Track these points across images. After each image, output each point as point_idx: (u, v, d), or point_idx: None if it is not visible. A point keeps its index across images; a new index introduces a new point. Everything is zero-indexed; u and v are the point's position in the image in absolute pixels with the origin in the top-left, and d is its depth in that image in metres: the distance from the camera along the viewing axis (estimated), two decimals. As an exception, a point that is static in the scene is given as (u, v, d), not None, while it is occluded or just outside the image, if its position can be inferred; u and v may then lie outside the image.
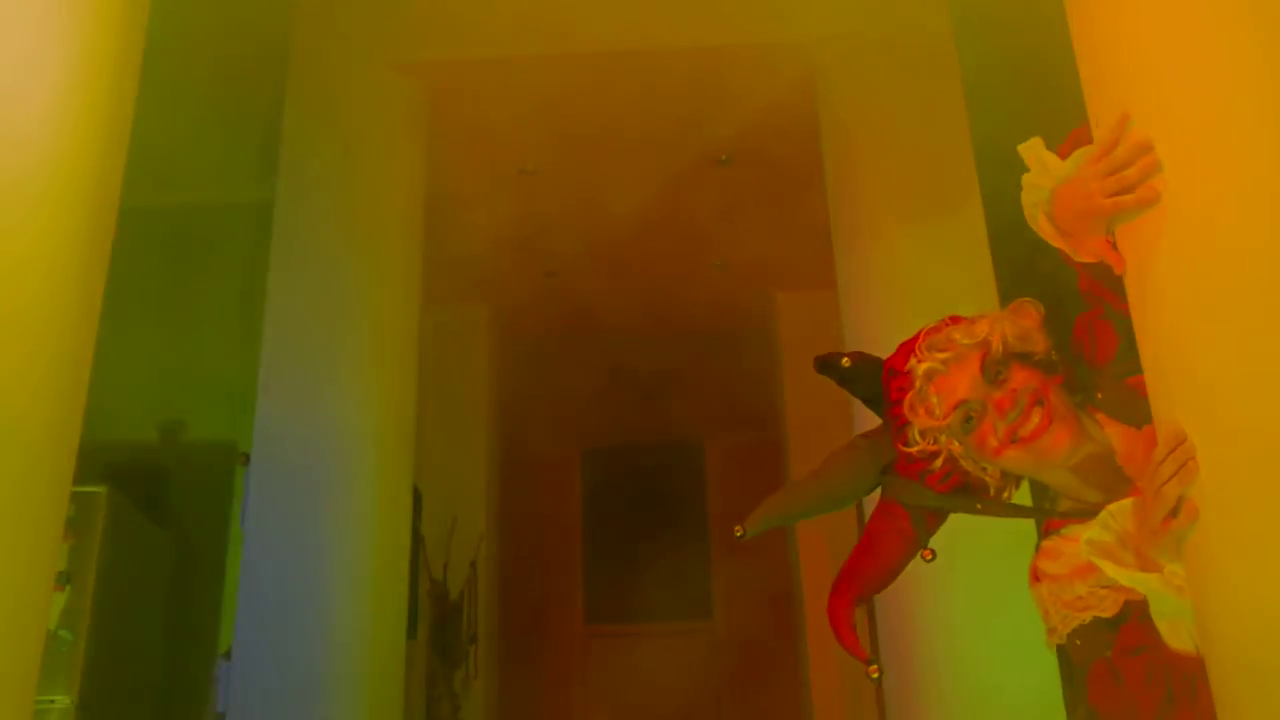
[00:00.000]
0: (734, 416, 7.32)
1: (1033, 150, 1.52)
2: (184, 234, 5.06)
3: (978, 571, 3.37)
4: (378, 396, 3.86)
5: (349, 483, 3.69)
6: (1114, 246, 1.37)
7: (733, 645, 7.62)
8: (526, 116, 4.63)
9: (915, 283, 3.73)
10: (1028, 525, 3.33)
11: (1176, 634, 1.36)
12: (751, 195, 5.33)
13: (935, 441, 1.50)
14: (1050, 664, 3.28)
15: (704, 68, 4.34)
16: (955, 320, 1.52)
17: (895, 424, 1.53)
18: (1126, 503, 1.36)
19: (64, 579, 3.82)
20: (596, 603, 7.87)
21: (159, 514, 4.76)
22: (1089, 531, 1.41)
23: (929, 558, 1.60)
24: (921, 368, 1.49)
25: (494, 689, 6.37)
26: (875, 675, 1.63)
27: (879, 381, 1.57)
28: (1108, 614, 1.42)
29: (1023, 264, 4.04)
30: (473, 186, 5.15)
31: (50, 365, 1.73)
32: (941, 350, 1.48)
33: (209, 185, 5.01)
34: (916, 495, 1.56)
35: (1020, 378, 1.45)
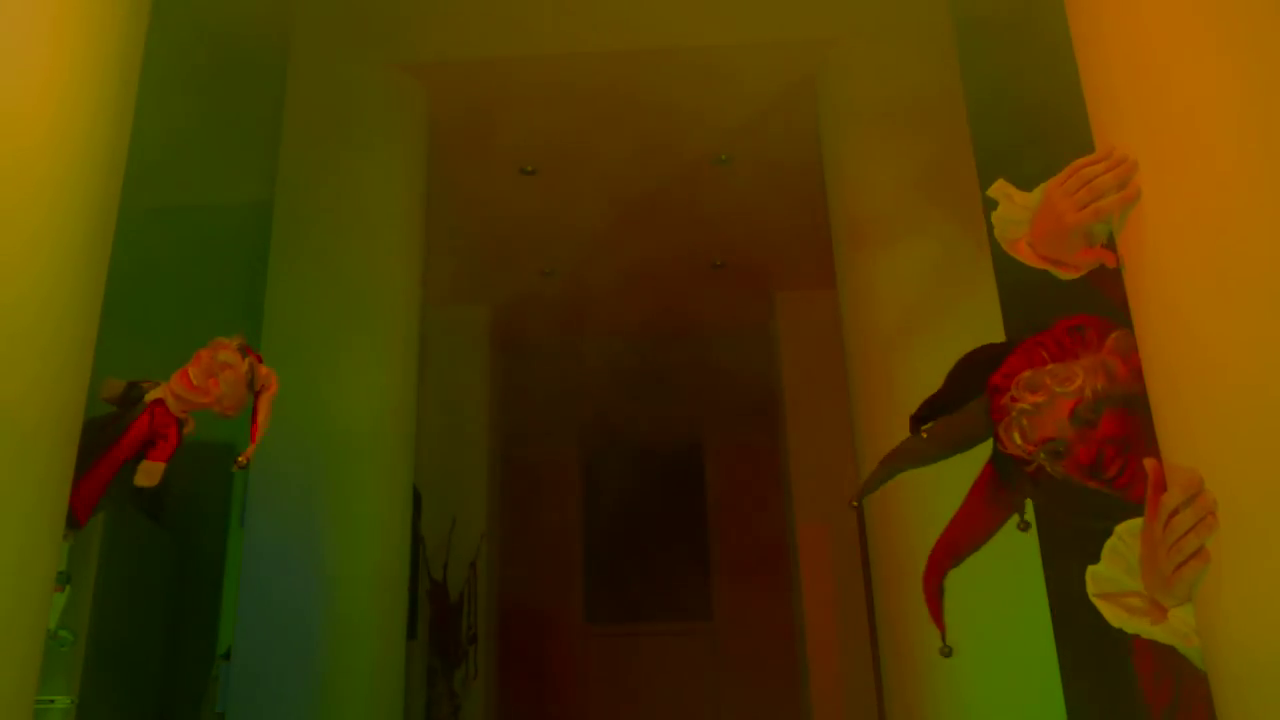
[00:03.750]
0: (734, 416, 7.33)
1: (1001, 190, 1.63)
2: (184, 234, 5.06)
3: (978, 571, 3.37)
4: (378, 396, 3.86)
5: (349, 483, 3.69)
6: (1104, 247, 1.40)
7: (733, 645, 7.62)
8: (526, 116, 4.63)
9: (915, 283, 3.73)
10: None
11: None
12: (751, 195, 5.33)
13: (1027, 453, 1.59)
14: (1051, 665, 3.28)
15: (704, 68, 4.34)
16: (1061, 341, 1.58)
17: (996, 426, 1.62)
18: (1135, 524, 1.36)
19: (64, 579, 3.82)
20: (596, 603, 7.86)
21: (159, 514, 4.76)
22: (1096, 565, 1.43)
23: (1024, 529, 1.72)
24: (1015, 407, 1.57)
25: (494, 689, 6.37)
26: (947, 652, 1.77)
27: (978, 384, 1.67)
28: None
29: (1022, 264, 4.04)
30: (473, 186, 5.15)
31: (50, 365, 1.73)
32: (1035, 393, 1.55)
33: (209, 185, 5.00)
34: (1019, 473, 1.64)
35: (1108, 427, 1.52)
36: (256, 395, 1.83)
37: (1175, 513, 1.21)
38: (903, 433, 3.41)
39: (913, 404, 3.56)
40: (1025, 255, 1.56)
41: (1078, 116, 1.54)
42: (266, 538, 3.62)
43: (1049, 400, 1.53)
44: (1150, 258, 1.30)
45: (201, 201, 5.08)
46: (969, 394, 1.71)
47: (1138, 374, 1.54)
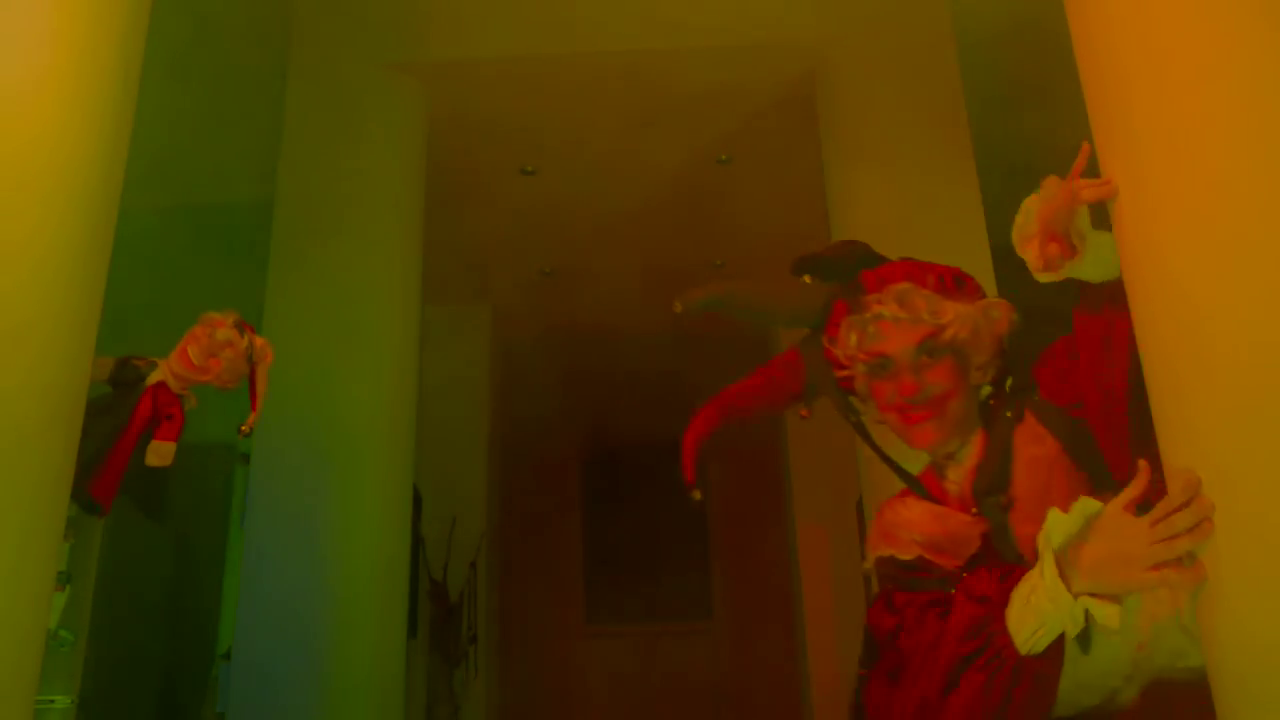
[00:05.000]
0: (734, 416, 7.31)
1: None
2: (184, 234, 5.06)
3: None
4: (378, 396, 3.86)
5: (349, 483, 3.69)
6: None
7: (733, 645, 7.62)
8: (526, 116, 4.63)
9: (915, 283, 3.73)
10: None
11: (1029, 636, 1.29)
12: (751, 195, 5.33)
13: (848, 358, 1.60)
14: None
15: (704, 68, 4.34)
16: (945, 277, 1.59)
17: (835, 319, 1.62)
18: (1094, 506, 1.29)
19: (64, 579, 3.81)
20: (596, 603, 7.86)
21: (159, 514, 4.76)
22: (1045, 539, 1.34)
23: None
24: (874, 309, 1.56)
25: (494, 689, 6.37)
26: (696, 496, 1.78)
27: (854, 271, 1.65)
28: (904, 556, 1.54)
29: (1021, 262, 4.03)
30: (473, 186, 5.16)
31: (51, 365, 1.73)
32: (904, 307, 1.54)
33: (209, 185, 5.01)
34: (822, 368, 1.67)
35: (940, 374, 1.54)
36: (253, 367, 1.85)
37: (1173, 511, 1.19)
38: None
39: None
40: None
41: (1078, 116, 1.54)
42: (266, 538, 3.62)
43: (911, 320, 1.53)
44: (1151, 258, 1.30)
45: (201, 201, 5.08)
46: (843, 271, 1.71)
47: (1001, 337, 1.58)
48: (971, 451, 1.59)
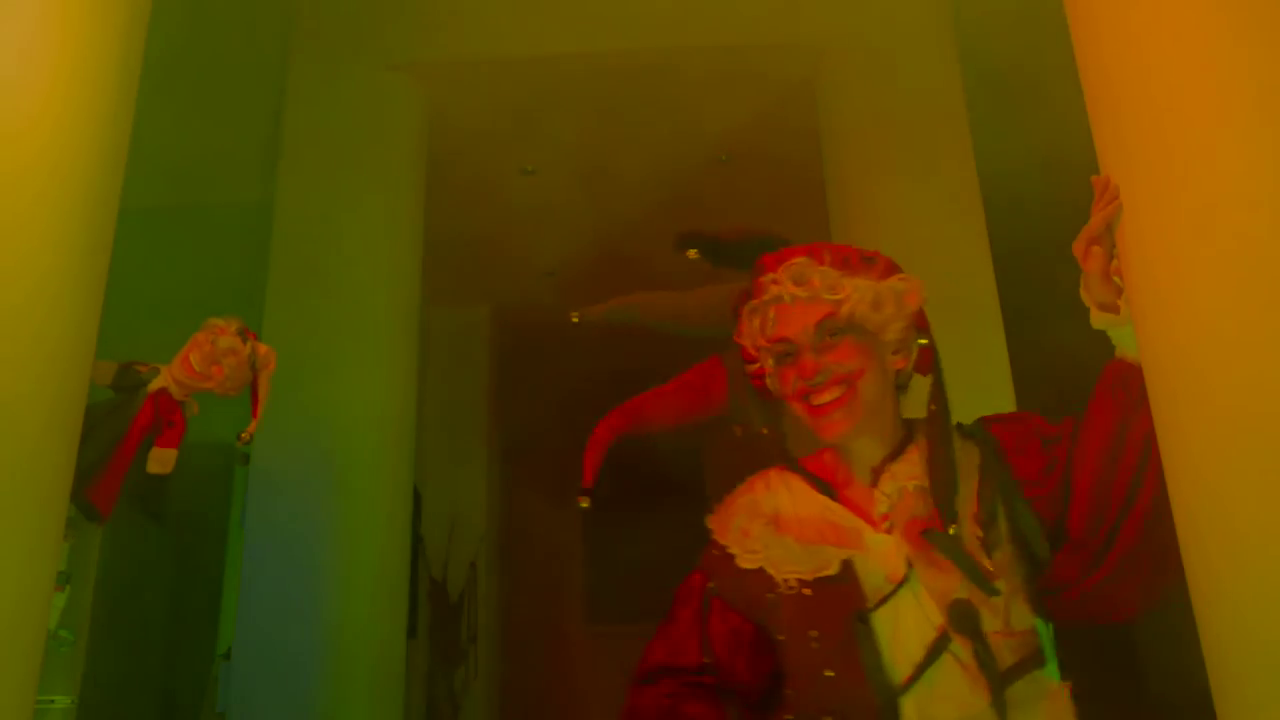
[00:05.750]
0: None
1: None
2: (184, 234, 5.06)
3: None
4: (378, 396, 3.85)
5: (349, 483, 3.69)
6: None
7: (733, 645, 7.60)
8: (526, 116, 4.63)
9: (915, 283, 3.73)
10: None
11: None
12: (751, 195, 5.32)
13: (755, 348, 1.54)
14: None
15: (704, 68, 4.34)
16: (850, 255, 1.53)
17: (741, 308, 1.56)
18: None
19: (64, 579, 3.81)
20: (597, 602, 7.85)
21: (159, 514, 4.76)
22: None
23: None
24: (772, 290, 1.51)
25: (494, 689, 6.37)
26: (583, 504, 1.77)
27: (755, 257, 1.58)
28: (745, 565, 1.51)
29: (1021, 264, 4.04)
30: (473, 186, 5.15)
31: (51, 366, 1.73)
32: (799, 285, 1.49)
33: (209, 185, 5.00)
34: (743, 375, 1.60)
35: (844, 353, 1.47)
36: (256, 373, 1.85)
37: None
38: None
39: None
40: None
41: (1078, 116, 1.54)
42: (266, 538, 3.62)
43: (807, 298, 1.48)
44: (1151, 258, 1.30)
45: (201, 201, 5.08)
46: (740, 254, 1.67)
47: (912, 313, 1.54)
48: (909, 467, 1.49)
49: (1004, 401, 3.52)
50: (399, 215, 4.11)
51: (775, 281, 1.51)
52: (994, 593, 1.38)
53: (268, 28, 4.19)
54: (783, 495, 1.57)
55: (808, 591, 1.44)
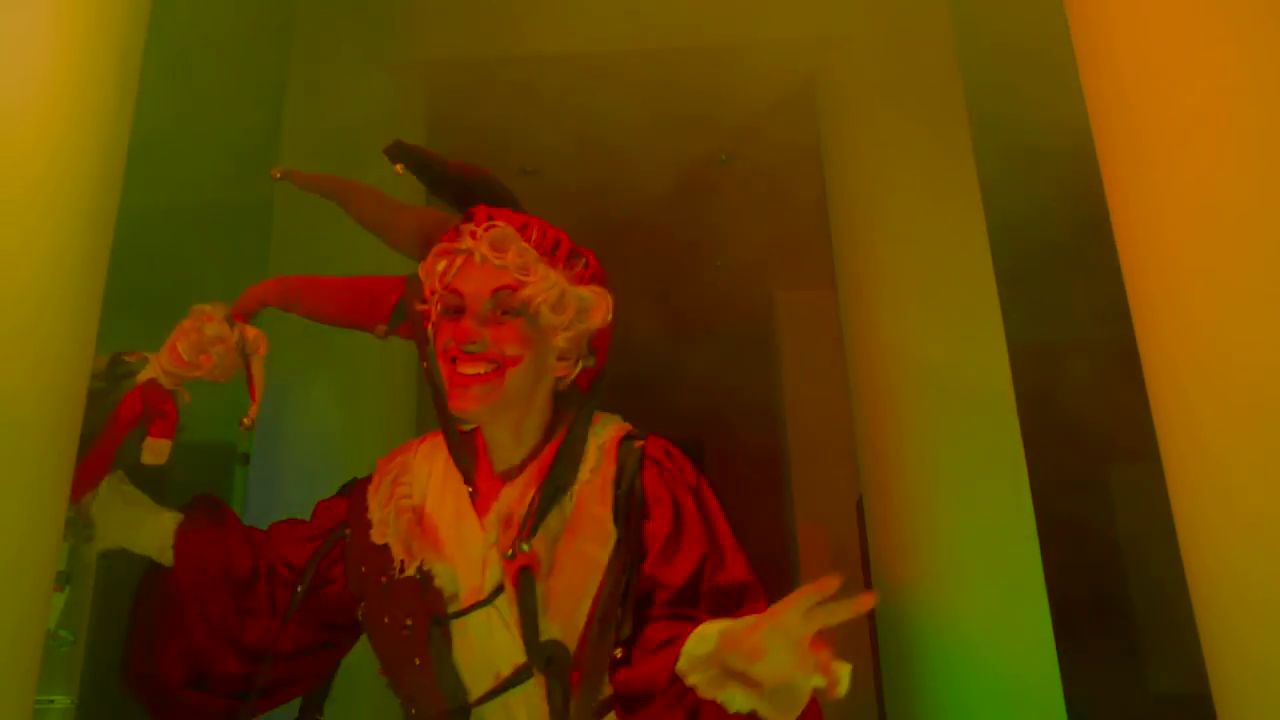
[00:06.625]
0: (734, 416, 7.33)
1: None
2: (184, 234, 5.06)
3: (977, 573, 3.37)
4: (378, 396, 3.85)
5: (349, 483, 3.68)
6: None
7: (732, 645, 7.60)
8: (526, 116, 4.63)
9: (915, 283, 3.73)
10: (1025, 510, 3.30)
11: None
12: (751, 195, 5.33)
13: (430, 289, 1.51)
14: (1050, 665, 3.28)
15: (704, 68, 4.34)
16: (560, 245, 1.50)
17: (429, 250, 1.52)
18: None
19: (64, 579, 3.81)
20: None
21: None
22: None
23: (380, 333, 1.73)
24: (466, 244, 1.46)
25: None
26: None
27: (473, 201, 1.55)
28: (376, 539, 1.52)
29: (1021, 263, 4.04)
30: (472, 186, 5.15)
31: (50, 365, 1.73)
32: (494, 249, 1.44)
33: (209, 185, 5.00)
34: (415, 308, 1.55)
35: (507, 334, 1.42)
36: (247, 359, 1.82)
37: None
38: (901, 434, 3.41)
39: (912, 405, 3.57)
40: None
41: (1079, 116, 1.54)
42: (266, 538, 3.61)
43: (497, 266, 1.42)
44: (1151, 257, 1.30)
45: (201, 201, 5.08)
46: (456, 189, 1.64)
47: (584, 336, 1.48)
48: (523, 489, 1.43)
49: (1003, 398, 3.53)
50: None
51: (473, 235, 1.46)
52: (540, 666, 1.33)
53: (268, 27, 4.18)
54: (436, 468, 1.53)
55: (408, 582, 1.43)
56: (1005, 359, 3.59)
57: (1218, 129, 1.25)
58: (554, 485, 1.42)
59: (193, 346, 1.69)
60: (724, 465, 7.82)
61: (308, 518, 1.75)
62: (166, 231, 4.87)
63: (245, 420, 1.70)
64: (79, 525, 1.68)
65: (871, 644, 5.12)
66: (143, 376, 1.71)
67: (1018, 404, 3.53)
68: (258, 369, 1.79)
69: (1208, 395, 1.21)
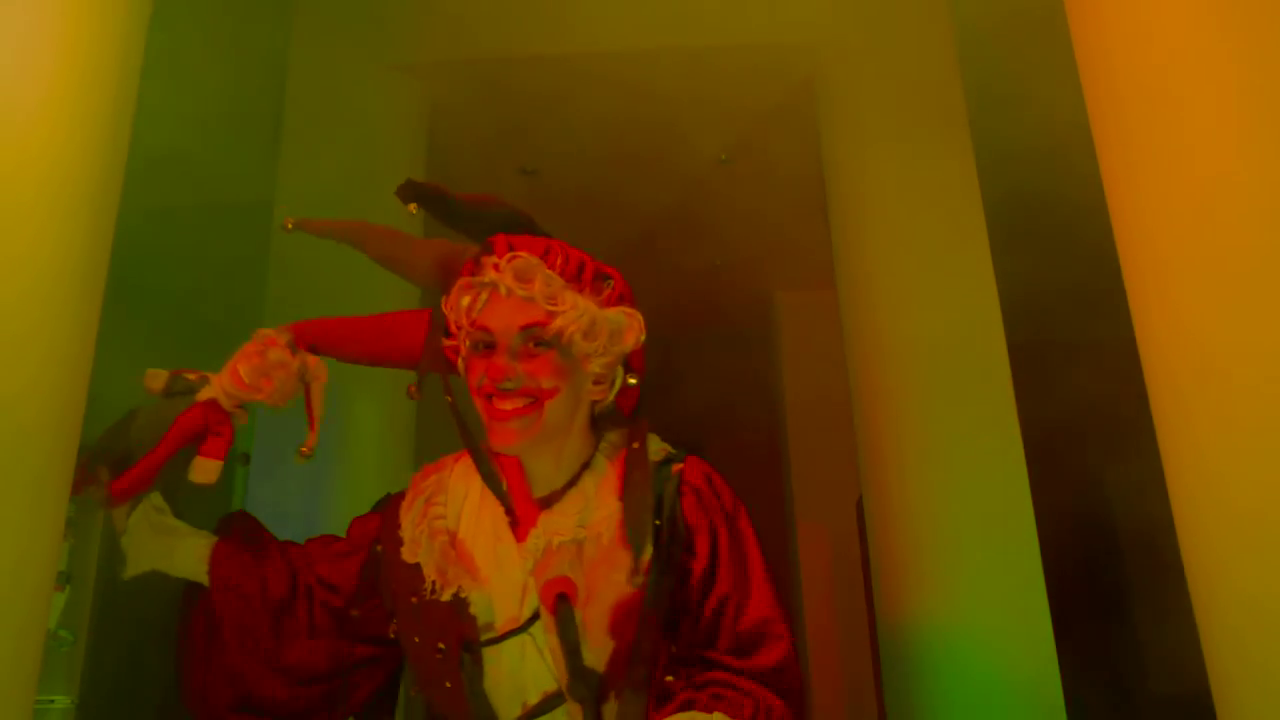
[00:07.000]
0: (734, 416, 7.33)
1: None
2: (184, 234, 5.06)
3: (976, 574, 3.37)
4: (378, 396, 3.85)
5: (349, 483, 3.68)
6: None
7: (733, 645, 7.59)
8: (526, 116, 4.63)
9: (915, 283, 3.73)
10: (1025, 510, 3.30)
11: None
12: (751, 195, 5.32)
13: (456, 324, 1.46)
14: (1051, 665, 3.28)
15: (704, 68, 4.34)
16: (584, 267, 1.45)
17: (452, 284, 1.48)
18: None
19: (64, 579, 3.81)
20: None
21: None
22: None
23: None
24: (490, 277, 1.42)
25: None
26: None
27: (491, 231, 1.52)
28: (409, 557, 1.53)
29: (1021, 263, 4.04)
30: (473, 186, 5.14)
31: (51, 365, 1.73)
32: (520, 281, 1.41)
33: (209, 185, 5.00)
34: (438, 343, 1.51)
35: (541, 367, 1.40)
36: (307, 385, 1.82)
37: None
38: (901, 434, 3.41)
39: (912, 405, 3.56)
40: None
41: (1079, 115, 1.54)
42: (267, 538, 3.61)
43: (524, 298, 1.39)
44: (1149, 259, 1.30)
45: (201, 201, 5.08)
46: (475, 221, 1.57)
47: (617, 357, 1.44)
48: (563, 519, 1.42)
49: (1003, 395, 3.53)
50: (399, 215, 4.11)
51: (496, 267, 1.43)
52: (580, 695, 1.33)
53: (268, 27, 4.18)
54: (473, 491, 1.52)
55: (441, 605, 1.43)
56: (1005, 359, 3.59)
57: (1218, 129, 1.25)
58: (638, 534, 1.40)
59: (255, 370, 1.68)
60: (724, 465, 7.83)
61: (307, 517, 1.74)
62: (166, 232, 4.86)
63: (303, 449, 1.70)
64: (109, 549, 1.68)
65: (872, 644, 5.13)
66: (202, 396, 1.71)
67: (1017, 398, 3.53)
68: (318, 396, 1.78)
69: (1207, 394, 1.21)
